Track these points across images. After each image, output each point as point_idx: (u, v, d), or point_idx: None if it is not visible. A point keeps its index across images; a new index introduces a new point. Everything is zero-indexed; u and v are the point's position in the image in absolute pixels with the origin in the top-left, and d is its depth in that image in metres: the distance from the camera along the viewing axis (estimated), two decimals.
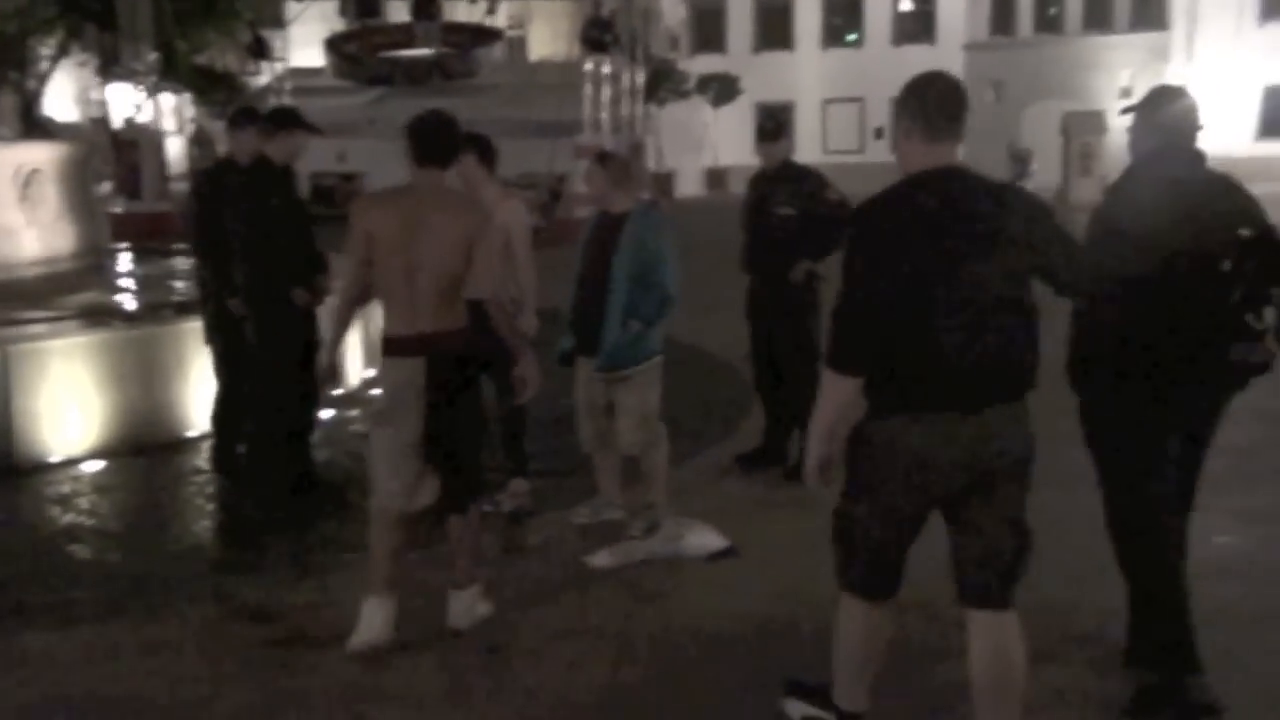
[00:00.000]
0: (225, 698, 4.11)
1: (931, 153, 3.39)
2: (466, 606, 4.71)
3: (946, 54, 45.61)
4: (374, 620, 4.48)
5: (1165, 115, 3.98)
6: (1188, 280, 3.73)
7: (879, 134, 47.37)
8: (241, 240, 6.00)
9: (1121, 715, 3.93)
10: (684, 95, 40.80)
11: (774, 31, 48.06)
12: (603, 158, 5.83)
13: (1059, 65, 42.50)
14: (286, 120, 6.17)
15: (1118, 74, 42.87)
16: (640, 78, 31.34)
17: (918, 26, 47.29)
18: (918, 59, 45.66)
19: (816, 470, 3.59)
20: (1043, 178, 29.03)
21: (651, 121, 37.45)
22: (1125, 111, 4.15)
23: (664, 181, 37.19)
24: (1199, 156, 3.96)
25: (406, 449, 4.48)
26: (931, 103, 3.39)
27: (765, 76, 45.84)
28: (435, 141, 4.51)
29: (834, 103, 47.43)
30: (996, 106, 40.99)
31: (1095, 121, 30.74)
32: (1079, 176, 28.98)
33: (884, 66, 46.36)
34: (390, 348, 4.49)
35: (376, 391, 4.92)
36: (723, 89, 42.37)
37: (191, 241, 6.55)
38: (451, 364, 4.45)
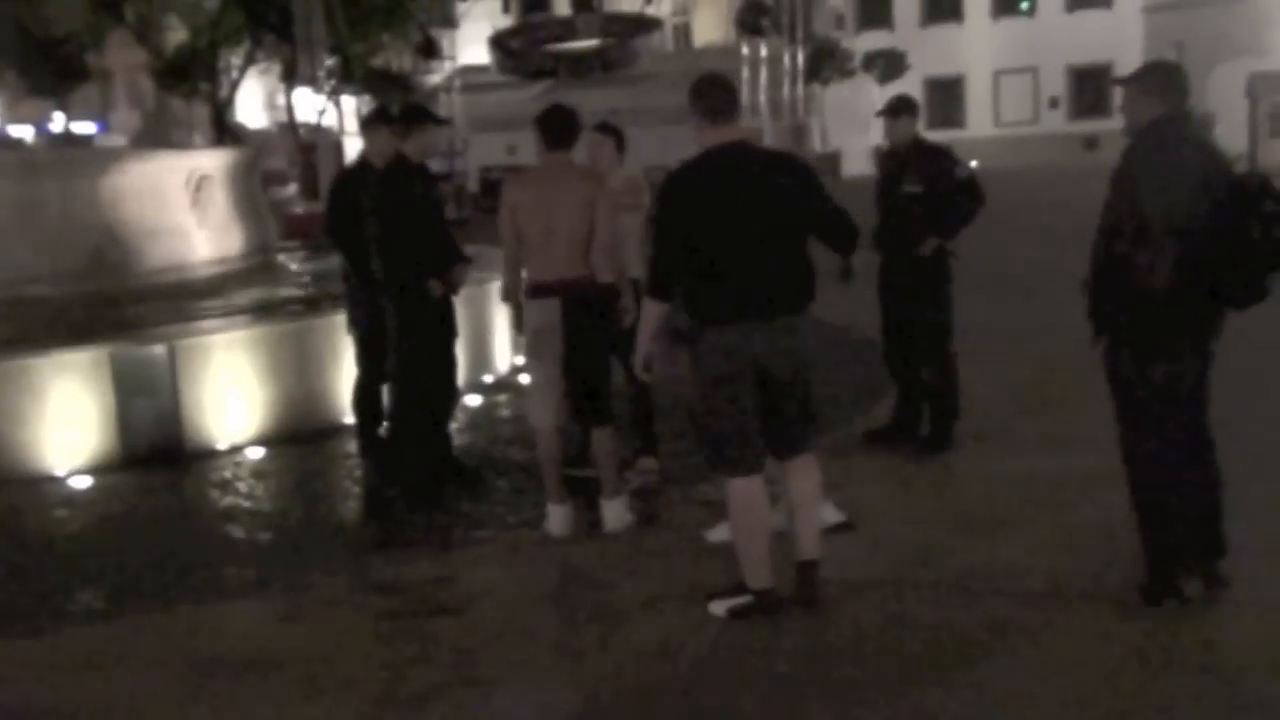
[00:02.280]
0: (351, 662, 4.40)
1: (719, 132, 4.51)
2: (617, 513, 5.67)
3: (1125, 17, 44.06)
4: (556, 519, 5.65)
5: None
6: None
7: (1054, 104, 46.01)
8: (380, 236, 6.28)
9: None
10: (848, 74, 40.37)
11: (942, 3, 47.10)
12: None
13: (1245, 23, 40.53)
14: (417, 117, 6.41)
15: None
16: (802, 59, 31.21)
17: None
18: (1094, 25, 44.40)
19: (644, 366, 4.71)
20: (1228, 141, 27.77)
21: (815, 102, 37.23)
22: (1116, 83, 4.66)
23: (829, 161, 36.90)
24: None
25: (551, 375, 5.56)
26: (714, 94, 4.54)
27: (934, 50, 45.01)
28: (559, 129, 5.57)
29: (1006, 74, 46.25)
30: None
31: None
32: (1269, 139, 27.69)
33: (1058, 34, 45.07)
34: (534, 292, 5.56)
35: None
36: (889, 65, 41.81)
37: (332, 238, 6.89)
38: (582, 302, 5.51)
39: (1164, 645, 4.22)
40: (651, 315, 4.61)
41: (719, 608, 4.64)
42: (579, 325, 5.51)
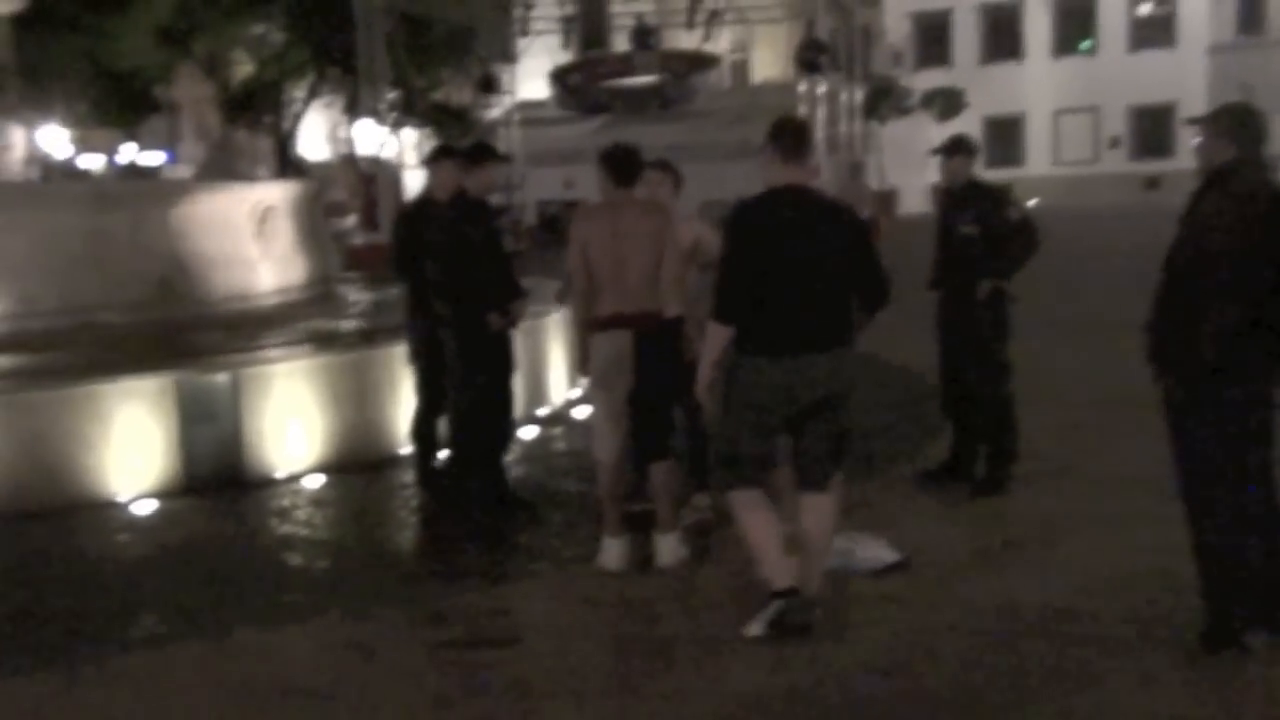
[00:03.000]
0: (407, 691, 4.44)
1: (788, 172, 4.74)
2: (671, 547, 5.68)
3: (1189, 58, 43.68)
4: (611, 554, 5.63)
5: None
6: None
7: (1114, 143, 45.62)
8: (442, 270, 6.38)
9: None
10: (906, 112, 40.32)
11: (1002, 42, 46.96)
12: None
13: None
14: (482, 155, 6.52)
15: None
16: (860, 96, 31.24)
17: (1157, 30, 45.34)
18: (1157, 65, 44.04)
19: (706, 389, 4.91)
20: None
21: (873, 139, 37.20)
22: (1191, 123, 4.59)
23: (886, 199, 36.83)
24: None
25: (617, 408, 5.60)
26: (790, 137, 4.77)
27: (993, 89, 44.83)
28: (625, 166, 5.74)
29: (1066, 113, 45.94)
30: None
31: None
32: None
33: (1120, 73, 44.74)
34: (604, 324, 5.61)
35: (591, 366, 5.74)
36: (947, 103, 41.70)
37: (395, 271, 7.00)
38: (652, 334, 5.57)
39: (1221, 695, 4.16)
40: (717, 340, 4.77)
41: (756, 627, 4.75)
42: (650, 357, 5.58)
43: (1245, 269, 4.14)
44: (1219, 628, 4.41)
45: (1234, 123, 4.41)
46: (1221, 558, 4.38)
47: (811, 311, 4.70)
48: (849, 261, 4.78)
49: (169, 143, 41.91)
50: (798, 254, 4.68)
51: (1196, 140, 4.46)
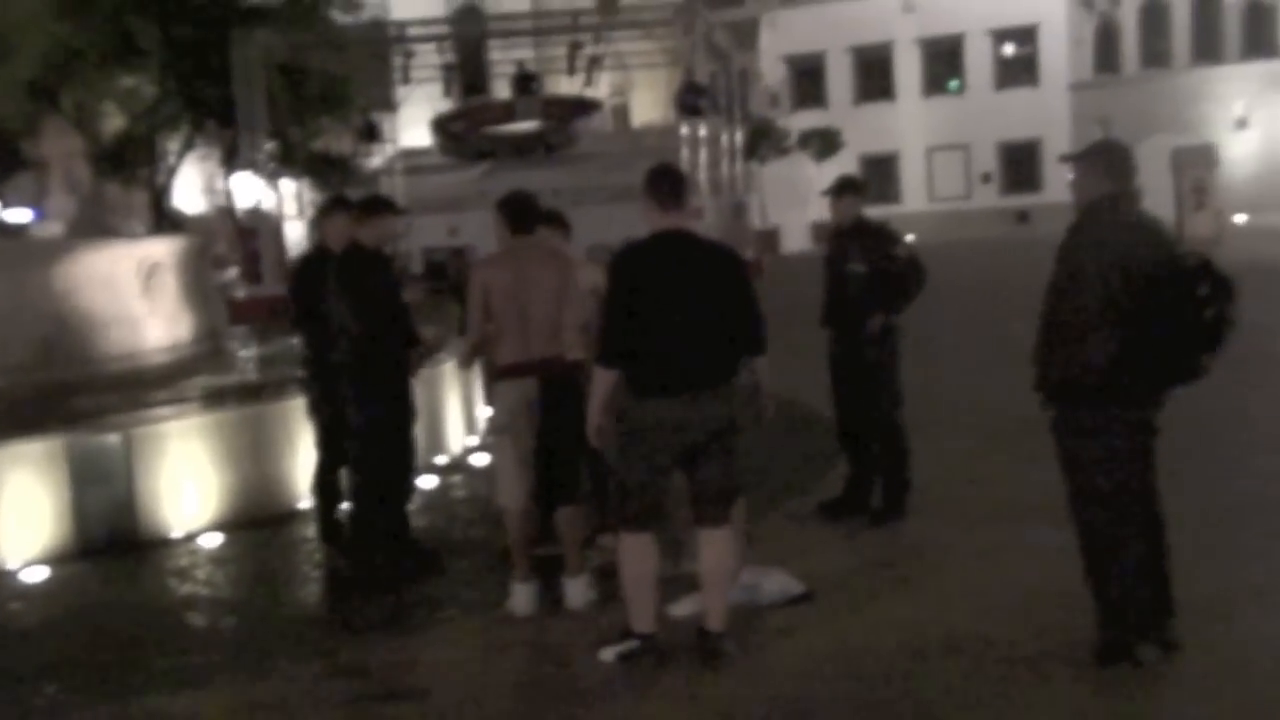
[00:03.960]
0: None
1: (667, 218, 4.91)
2: (580, 591, 5.73)
3: (1051, 95, 45.32)
4: (521, 598, 5.69)
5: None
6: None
7: (986, 179, 47.03)
8: (339, 321, 6.35)
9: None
10: (785, 152, 41.09)
11: (874, 83, 48.21)
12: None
13: (1168, 100, 41.92)
14: (375, 207, 6.53)
15: (1230, 105, 42.06)
16: (740, 137, 31.73)
17: (1020, 70, 47.01)
18: (1022, 102, 45.59)
19: (597, 434, 5.01)
20: (1155, 215, 28.48)
21: (754, 180, 37.79)
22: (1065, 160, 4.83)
23: (768, 238, 37.42)
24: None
25: (524, 454, 5.65)
26: (666, 185, 4.93)
27: (868, 128, 45.94)
28: (523, 214, 5.81)
29: (938, 150, 47.29)
30: None
31: (1207, 155, 30.24)
32: (1193, 211, 28.42)
33: (988, 112, 46.22)
34: (508, 372, 5.68)
35: (490, 414, 5.84)
36: (825, 143, 42.58)
37: (292, 323, 6.96)
38: (558, 380, 5.64)
39: (1114, 709, 4.34)
40: (604, 384, 4.91)
41: (608, 654, 4.99)
42: (556, 403, 5.64)
43: (1122, 298, 4.35)
44: (1112, 644, 4.60)
45: (1107, 159, 4.64)
46: (1110, 577, 4.57)
47: (699, 351, 4.85)
48: (731, 303, 4.93)
49: (36, 199, 40.79)
50: (681, 296, 4.83)
51: (1071, 177, 4.69)
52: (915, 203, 46.75)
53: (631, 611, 4.98)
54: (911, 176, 47.79)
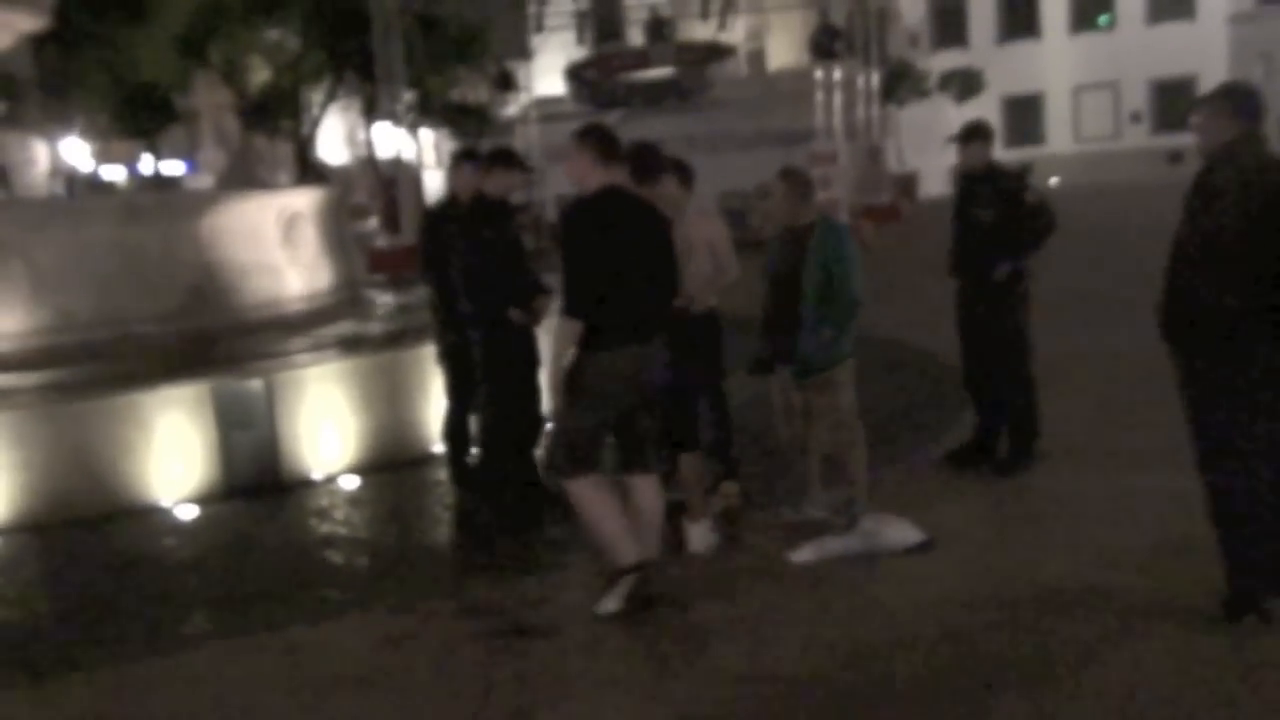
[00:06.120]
0: (450, 681, 4.59)
1: (610, 173, 5.06)
2: (702, 536, 5.83)
3: (1208, 29, 43.38)
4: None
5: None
6: None
7: (1136, 119, 45.38)
8: (464, 270, 6.51)
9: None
10: (924, 94, 40.24)
11: (1019, 20, 46.75)
12: (786, 174, 6.09)
13: None
14: (500, 159, 6.64)
15: None
16: (877, 80, 31.21)
17: (1175, 2, 45.02)
18: (1176, 37, 43.78)
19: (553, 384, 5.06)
20: None
21: (891, 123, 37.15)
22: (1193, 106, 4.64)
23: (906, 183, 36.78)
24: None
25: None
26: (605, 141, 5.09)
27: (1011, 68, 44.69)
28: (645, 165, 5.70)
29: (1086, 89, 45.74)
30: (1266, 81, 38.54)
31: None
32: None
33: (1139, 48, 44.50)
34: None
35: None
36: (965, 84, 41.59)
37: (420, 273, 7.14)
38: (680, 330, 5.56)
39: (1245, 660, 4.26)
40: (569, 335, 5.00)
41: (610, 603, 5.06)
42: (683, 351, 5.68)
43: (1251, 246, 4.23)
44: (1240, 596, 4.51)
45: (1233, 102, 4.49)
46: (1239, 528, 4.48)
47: (646, 304, 5.06)
48: (664, 257, 5.16)
49: (188, 152, 42.24)
50: (630, 250, 5.01)
51: (1195, 120, 4.55)
52: (1060, 144, 45.41)
53: (611, 550, 5.10)
54: (1056, 117, 46.36)
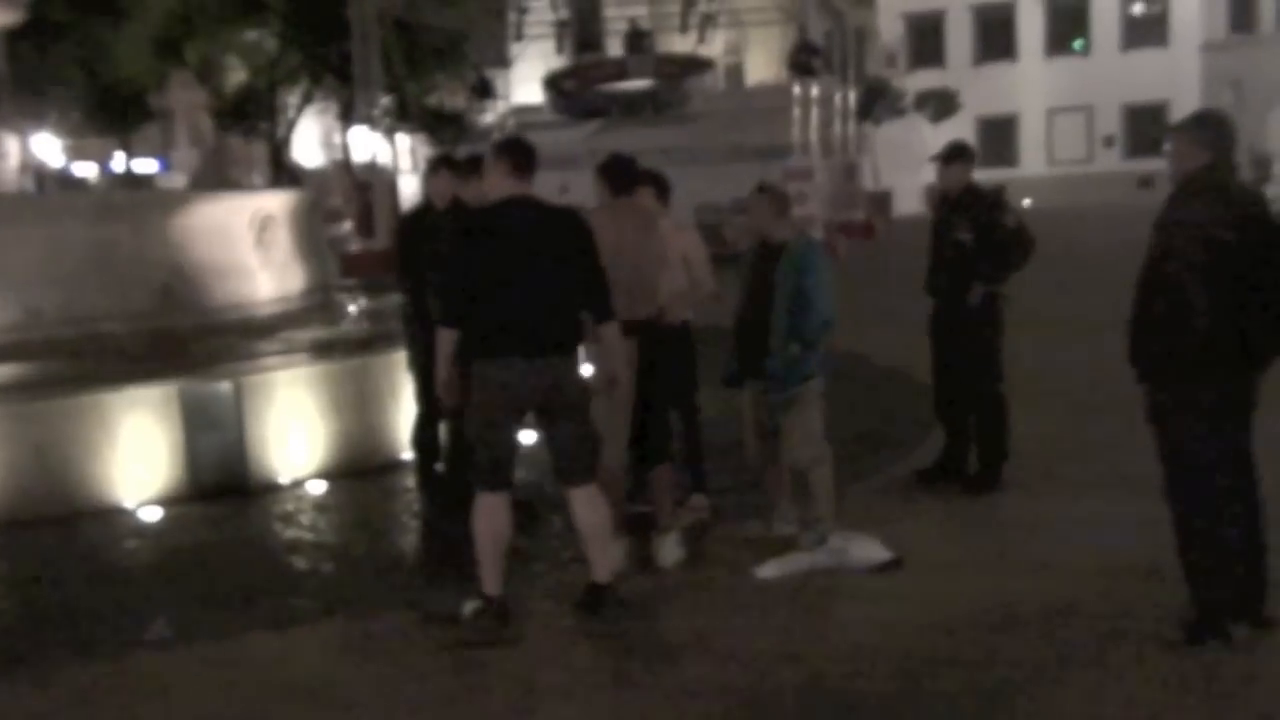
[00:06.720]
0: (412, 690, 4.55)
1: (519, 185, 5.09)
2: (670, 549, 5.81)
3: (1181, 56, 43.86)
4: (616, 555, 5.51)
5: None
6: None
7: (1109, 143, 45.78)
8: (437, 276, 6.47)
9: None
10: (900, 113, 40.47)
11: (995, 42, 47.15)
12: (763, 189, 6.11)
13: None
14: (477, 166, 6.62)
15: None
16: (854, 98, 31.37)
17: (1149, 28, 45.54)
18: (1149, 63, 44.22)
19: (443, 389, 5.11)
20: None
21: (867, 141, 37.34)
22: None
23: (880, 201, 36.95)
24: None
25: (627, 414, 5.69)
26: (520, 153, 5.15)
27: (986, 89, 44.99)
28: (622, 176, 5.87)
29: (1060, 112, 46.11)
30: (1236, 109, 38.88)
31: None
32: None
33: (1113, 72, 44.92)
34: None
35: (592, 373, 5.63)
36: (941, 104, 41.86)
37: (397, 278, 7.11)
38: (658, 340, 5.74)
39: (1207, 685, 4.28)
40: (446, 342, 5.02)
41: (467, 608, 5.06)
42: (652, 364, 5.71)
43: (1218, 272, 4.26)
44: (1204, 621, 4.53)
45: (1205, 130, 4.53)
46: (1204, 552, 4.50)
47: (536, 317, 4.95)
48: (574, 268, 5.05)
49: (162, 150, 41.99)
50: (522, 261, 4.95)
51: (1167, 148, 4.58)
52: (1033, 166, 45.74)
53: (483, 574, 5.08)
54: (1030, 139, 46.72)
